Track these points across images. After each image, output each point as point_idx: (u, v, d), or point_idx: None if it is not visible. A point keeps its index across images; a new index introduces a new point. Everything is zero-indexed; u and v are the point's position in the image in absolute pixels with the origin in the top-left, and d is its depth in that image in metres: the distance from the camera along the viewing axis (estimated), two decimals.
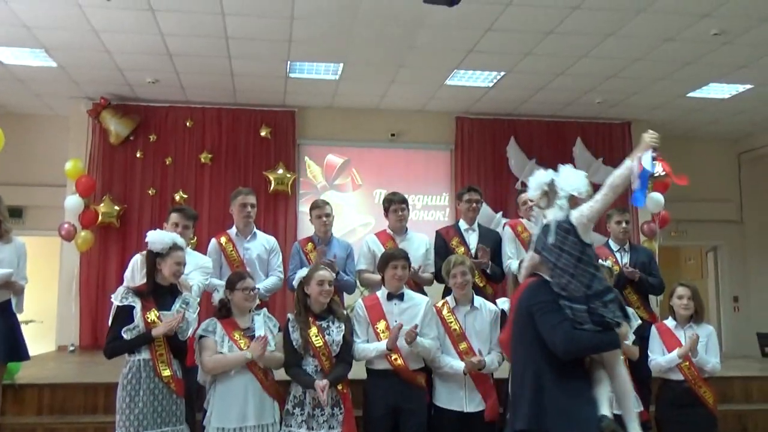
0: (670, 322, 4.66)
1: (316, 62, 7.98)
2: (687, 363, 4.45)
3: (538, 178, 3.08)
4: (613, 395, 2.98)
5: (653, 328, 4.70)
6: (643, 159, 2.89)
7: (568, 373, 2.85)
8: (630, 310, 3.43)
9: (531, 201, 3.17)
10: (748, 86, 8.62)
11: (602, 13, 6.50)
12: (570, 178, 3.00)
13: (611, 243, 5.52)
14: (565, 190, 2.98)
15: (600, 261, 4.82)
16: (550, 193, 3.04)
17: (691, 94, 8.99)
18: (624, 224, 5.46)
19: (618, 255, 5.42)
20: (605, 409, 2.82)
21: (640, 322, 4.69)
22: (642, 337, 4.65)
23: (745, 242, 11.28)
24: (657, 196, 9.04)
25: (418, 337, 4.25)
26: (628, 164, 2.90)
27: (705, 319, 4.71)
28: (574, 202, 2.95)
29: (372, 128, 9.70)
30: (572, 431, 2.76)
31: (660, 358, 4.55)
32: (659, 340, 4.61)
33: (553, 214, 2.97)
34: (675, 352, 4.47)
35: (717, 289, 11.41)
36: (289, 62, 7.91)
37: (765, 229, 10.98)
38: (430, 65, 7.97)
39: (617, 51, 7.46)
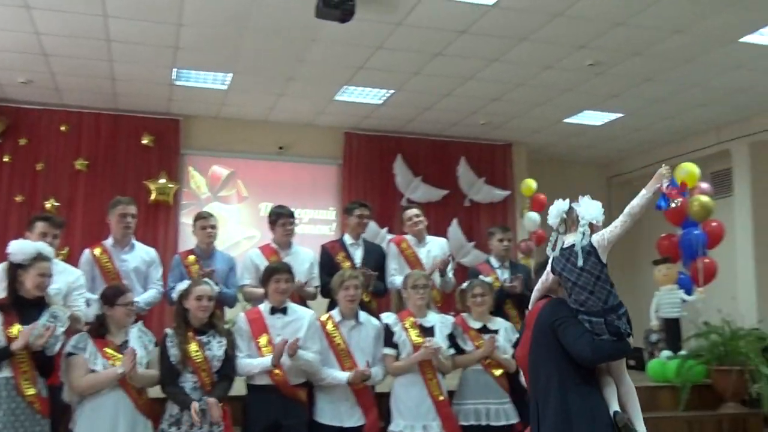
0: None
1: (204, 71, 7.80)
2: None
3: (557, 207, 3.42)
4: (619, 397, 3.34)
5: None
6: (663, 185, 3.26)
7: (586, 380, 3.25)
8: None
9: (543, 229, 3.54)
10: (619, 115, 9.19)
11: (487, 38, 6.75)
12: (590, 208, 3.33)
13: (492, 260, 5.70)
14: (585, 218, 3.30)
15: (480, 277, 5.01)
16: (568, 220, 3.38)
17: (567, 120, 9.48)
18: (506, 242, 5.66)
19: (499, 271, 5.60)
20: (616, 406, 3.24)
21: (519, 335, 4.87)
22: None
23: (613, 261, 11.91)
24: (533, 216, 9.46)
25: (300, 350, 4.21)
26: (645, 194, 3.23)
27: None
28: (591, 228, 3.31)
29: (260, 140, 9.58)
30: (595, 427, 3.16)
31: None
32: None
33: (574, 239, 3.31)
34: None
35: None
36: (175, 69, 7.69)
37: (631, 249, 11.68)
38: (320, 80, 7.98)
39: (501, 76, 7.76)
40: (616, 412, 3.20)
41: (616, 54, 7.12)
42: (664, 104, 8.73)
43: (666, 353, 6.94)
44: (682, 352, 6.73)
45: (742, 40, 6.72)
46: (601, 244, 3.28)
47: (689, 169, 7.21)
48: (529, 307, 3.64)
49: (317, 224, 9.68)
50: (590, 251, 3.27)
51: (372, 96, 8.57)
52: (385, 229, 9.21)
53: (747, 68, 7.48)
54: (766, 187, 9.27)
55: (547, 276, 3.47)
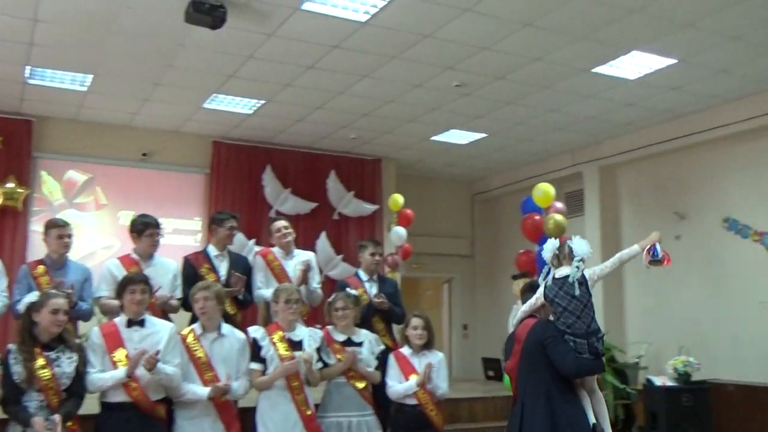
0: (405, 350, 4.94)
1: (62, 70, 7.36)
2: (421, 389, 4.75)
3: (551, 244, 4.08)
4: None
5: (391, 356, 4.95)
6: (655, 247, 3.92)
7: (567, 391, 3.87)
8: None
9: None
10: (483, 135, 9.59)
11: (359, 54, 6.84)
12: (582, 246, 3.94)
13: (361, 273, 5.74)
14: (579, 254, 3.91)
15: (348, 290, 5.04)
16: (560, 255, 3.98)
17: (434, 138, 9.77)
18: (377, 256, 5.72)
19: (367, 285, 5.65)
20: (592, 417, 3.86)
21: (384, 347, 4.94)
22: (384, 363, 4.89)
23: (475, 275, 12.44)
24: (400, 230, 9.64)
25: (159, 364, 4.04)
26: (636, 248, 3.93)
27: (437, 346, 5.07)
28: (582, 262, 3.90)
29: (121, 146, 9.15)
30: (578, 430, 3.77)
31: (398, 385, 4.80)
32: (397, 367, 4.86)
33: (569, 271, 3.87)
34: (412, 381, 4.74)
35: (450, 318, 12.41)
36: (28, 67, 7.20)
37: (491, 264, 12.20)
38: (188, 86, 7.76)
39: (372, 91, 7.88)
40: (594, 425, 3.81)
41: (481, 77, 7.43)
42: (524, 127, 9.21)
43: None
44: None
45: (594, 70, 7.22)
46: (592, 277, 3.92)
47: (545, 189, 7.63)
48: (514, 322, 4.31)
49: (181, 234, 9.36)
50: (582, 282, 3.85)
51: (242, 105, 8.43)
52: (253, 241, 9.06)
53: (598, 97, 8.05)
54: (613, 208, 9.98)
55: (536, 300, 4.04)
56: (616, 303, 9.69)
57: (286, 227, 5.58)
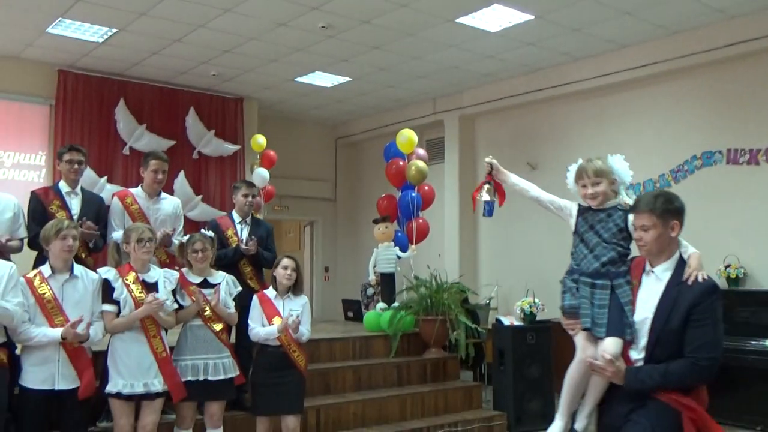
0: (270, 292, 4.91)
1: None
2: (284, 333, 4.75)
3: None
4: None
5: (255, 298, 4.90)
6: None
7: None
8: None
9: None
10: (348, 79, 9.55)
11: None
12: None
13: (234, 215, 5.60)
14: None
15: (203, 230, 4.88)
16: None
17: (298, 80, 9.61)
18: (250, 198, 5.57)
19: (239, 227, 5.52)
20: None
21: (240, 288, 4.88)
22: (244, 306, 4.84)
23: (337, 218, 12.55)
24: (263, 172, 9.49)
25: None
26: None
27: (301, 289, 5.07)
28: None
29: None
30: None
31: (260, 329, 4.77)
32: (259, 309, 4.83)
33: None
34: (274, 327, 4.71)
35: (312, 260, 12.49)
36: None
37: (353, 208, 12.35)
38: (29, 7, 7.08)
39: (234, 27, 7.58)
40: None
41: (347, 19, 7.35)
42: (389, 73, 9.26)
43: (381, 305, 7.48)
44: (395, 305, 7.30)
45: (457, 20, 7.35)
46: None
47: (408, 135, 7.76)
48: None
49: (23, 169, 8.67)
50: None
51: (91, 33, 7.83)
52: (104, 179, 8.58)
53: (460, 47, 8.22)
54: (471, 156, 10.34)
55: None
56: (470, 247, 10.15)
57: (156, 170, 5.21)
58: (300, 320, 4.75)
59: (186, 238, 4.81)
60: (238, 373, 4.66)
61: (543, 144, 9.40)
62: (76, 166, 5.01)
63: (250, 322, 4.82)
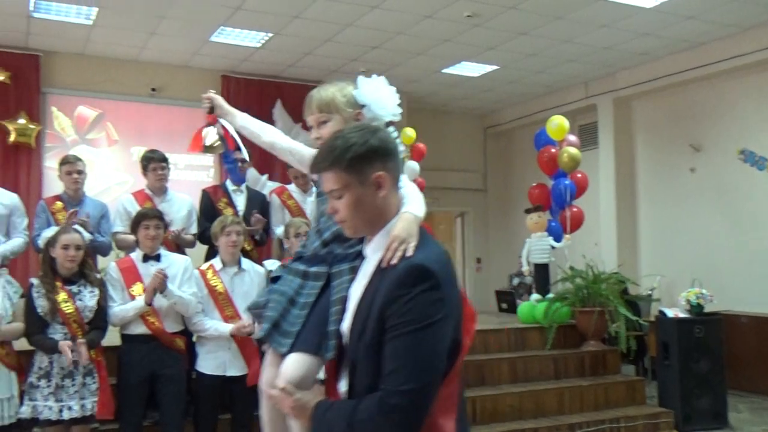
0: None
1: (66, 3, 7.22)
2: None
3: None
4: None
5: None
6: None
7: None
8: None
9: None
10: (495, 67, 9.42)
11: None
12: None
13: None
14: None
15: None
16: None
17: (445, 71, 9.61)
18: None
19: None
20: None
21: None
22: None
23: (488, 209, 12.44)
24: (413, 164, 9.59)
25: (170, 286, 4.09)
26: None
27: None
28: None
29: (130, 81, 9.05)
30: None
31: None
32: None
33: None
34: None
35: (463, 251, 12.49)
36: (32, 0, 7.08)
37: (504, 198, 12.19)
38: (194, 19, 7.61)
39: (381, 23, 7.72)
40: None
41: (492, 6, 7.25)
42: (537, 58, 9.03)
43: (535, 296, 7.34)
44: (550, 295, 7.14)
45: None
46: None
47: (559, 122, 7.54)
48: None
49: (194, 170, 9.35)
50: None
51: (250, 38, 8.29)
52: (265, 176, 9.05)
53: (613, 26, 7.85)
54: (627, 141, 9.87)
55: None
56: (629, 235, 9.69)
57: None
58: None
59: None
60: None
61: (707, 123, 8.78)
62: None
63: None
